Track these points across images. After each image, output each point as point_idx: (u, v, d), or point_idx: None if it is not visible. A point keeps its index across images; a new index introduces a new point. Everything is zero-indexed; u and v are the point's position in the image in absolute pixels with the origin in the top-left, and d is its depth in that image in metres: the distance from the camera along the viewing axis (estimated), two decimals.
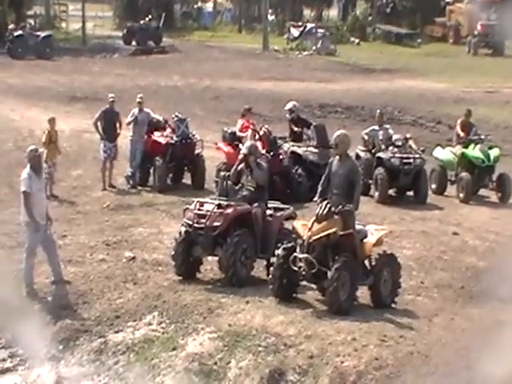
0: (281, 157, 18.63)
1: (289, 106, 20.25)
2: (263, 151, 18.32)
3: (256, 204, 13.15)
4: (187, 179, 19.80)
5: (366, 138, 19.51)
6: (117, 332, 12.01)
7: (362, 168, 18.16)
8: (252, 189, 13.30)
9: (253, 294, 12.56)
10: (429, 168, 19.61)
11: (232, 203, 13.12)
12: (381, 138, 19.31)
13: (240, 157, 13.71)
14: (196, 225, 13.04)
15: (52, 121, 18.82)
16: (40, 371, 11.48)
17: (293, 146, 19.37)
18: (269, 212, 13.43)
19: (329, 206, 11.95)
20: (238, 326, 11.62)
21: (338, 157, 12.25)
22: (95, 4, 60.88)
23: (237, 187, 13.33)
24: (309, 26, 55.62)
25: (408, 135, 19.89)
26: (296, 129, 19.70)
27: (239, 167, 13.49)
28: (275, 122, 24.92)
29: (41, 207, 12.84)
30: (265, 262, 13.19)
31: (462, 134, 19.83)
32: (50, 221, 13.01)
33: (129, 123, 19.35)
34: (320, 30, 53.71)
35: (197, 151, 19.59)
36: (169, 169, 19.42)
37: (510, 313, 12.30)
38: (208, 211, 13.07)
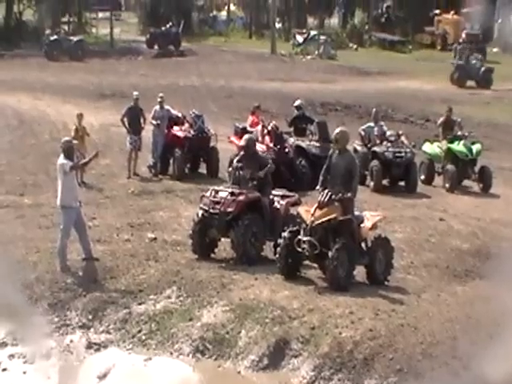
0: (286, 150, 18.55)
1: (297, 103, 20.19)
2: (271, 144, 18.34)
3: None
4: (203, 169, 19.75)
5: (363, 133, 19.44)
6: (140, 304, 12.02)
7: (359, 160, 17.99)
8: (254, 178, 13.20)
9: (261, 272, 12.55)
10: (418, 161, 19.54)
11: (244, 191, 13.09)
12: (376, 133, 19.23)
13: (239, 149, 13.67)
14: (211, 210, 13.03)
15: (79, 116, 18.76)
16: (72, 337, 11.49)
17: (297, 139, 19.32)
18: (276, 199, 13.41)
19: (329, 194, 11.91)
20: (247, 300, 11.61)
21: (337, 151, 12.21)
22: (122, 12, 60.64)
23: (248, 176, 13.28)
24: (312, 32, 55.27)
25: (400, 131, 19.83)
26: (287, 125, 19.69)
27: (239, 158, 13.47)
28: (282, 118, 24.77)
29: (75, 191, 12.84)
30: (272, 243, 13.16)
31: (440, 129, 19.82)
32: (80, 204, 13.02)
33: (153, 118, 19.27)
34: (322, 37, 53.36)
35: (211, 144, 19.53)
36: (186, 159, 19.39)
37: (490, 289, 12.30)
38: (222, 198, 13.05)
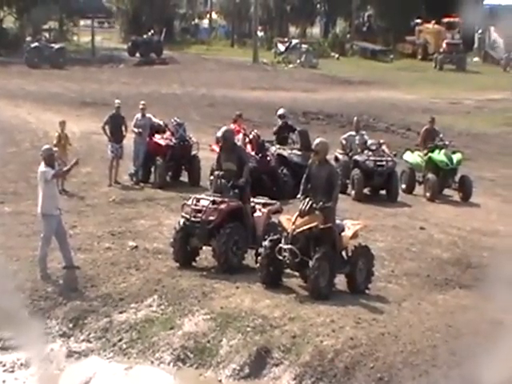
0: (268, 158, 18.62)
1: (280, 111, 20.26)
2: (252, 153, 18.39)
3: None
4: (184, 177, 19.75)
5: (344, 142, 19.53)
6: (121, 312, 11.98)
7: (341, 169, 18.19)
8: (234, 168, 13.18)
9: (242, 280, 12.55)
10: (399, 170, 19.63)
11: (225, 199, 13.10)
12: (357, 142, 19.32)
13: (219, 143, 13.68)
14: (193, 218, 13.01)
15: (62, 124, 18.72)
16: (52, 346, 11.44)
17: (279, 148, 19.39)
18: (258, 207, 13.43)
19: (311, 202, 11.96)
20: (229, 309, 11.61)
21: (317, 162, 12.25)
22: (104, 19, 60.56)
23: (229, 184, 13.29)
24: (294, 41, 55.56)
25: (381, 140, 19.92)
26: (272, 133, 19.79)
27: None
28: (264, 127, 24.86)
29: (56, 199, 12.80)
30: (254, 252, 13.18)
31: (422, 142, 19.89)
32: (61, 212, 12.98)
33: (135, 126, 19.28)
34: (304, 46, 53.66)
35: (193, 152, 19.54)
36: (168, 168, 19.39)
37: (470, 298, 12.38)
38: (204, 206, 13.04)
